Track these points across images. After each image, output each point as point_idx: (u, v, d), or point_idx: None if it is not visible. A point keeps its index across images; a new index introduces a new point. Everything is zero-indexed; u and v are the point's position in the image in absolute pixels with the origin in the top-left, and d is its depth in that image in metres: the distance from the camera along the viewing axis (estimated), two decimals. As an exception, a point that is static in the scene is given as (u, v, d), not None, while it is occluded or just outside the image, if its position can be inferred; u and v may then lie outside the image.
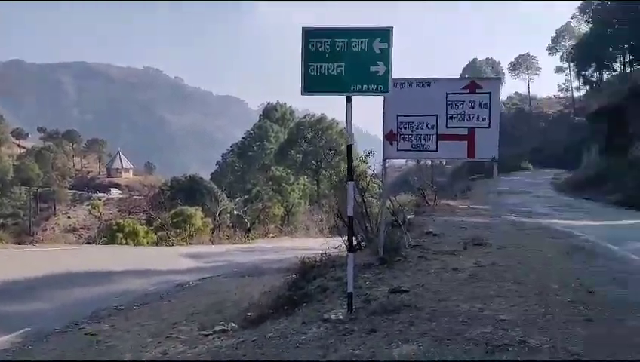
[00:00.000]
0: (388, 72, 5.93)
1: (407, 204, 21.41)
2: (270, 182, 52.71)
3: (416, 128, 7.87)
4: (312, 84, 6.01)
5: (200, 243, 30.00)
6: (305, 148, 56.01)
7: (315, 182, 54.75)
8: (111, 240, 31.51)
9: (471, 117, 7.69)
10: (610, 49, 48.06)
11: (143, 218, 44.39)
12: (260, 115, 71.44)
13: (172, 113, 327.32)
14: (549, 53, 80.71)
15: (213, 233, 35.04)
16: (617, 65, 50.70)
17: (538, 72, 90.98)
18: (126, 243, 29.95)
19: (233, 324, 7.63)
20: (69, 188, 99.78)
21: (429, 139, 7.86)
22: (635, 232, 14.61)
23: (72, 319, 9.06)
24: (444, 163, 64.48)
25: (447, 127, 7.77)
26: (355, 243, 10.67)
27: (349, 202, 6.27)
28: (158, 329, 8.27)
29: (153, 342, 7.44)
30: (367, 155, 12.14)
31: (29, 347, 7.58)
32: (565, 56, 74.79)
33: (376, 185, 14.90)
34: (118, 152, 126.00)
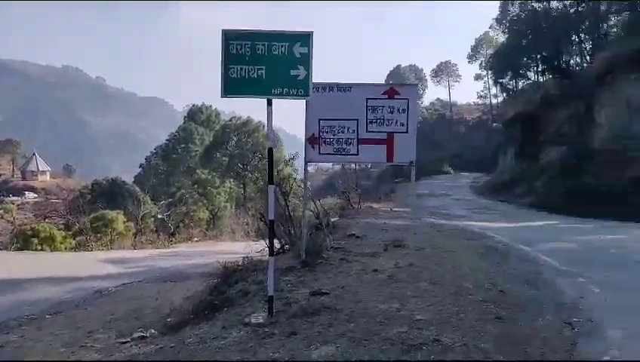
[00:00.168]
0: (308, 76, 5.98)
1: (332, 207, 21.64)
2: (195, 186, 51.74)
3: (338, 132, 7.98)
4: (232, 87, 5.97)
5: (121, 248, 28.99)
6: (231, 150, 55.45)
7: (242, 185, 54.24)
8: (25, 245, 29.83)
9: (390, 122, 7.88)
10: (525, 59, 50.33)
11: (61, 222, 42.38)
12: (185, 117, 70.15)
13: (93, 114, 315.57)
14: (469, 62, 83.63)
15: (135, 237, 33.95)
16: (532, 74, 53.22)
17: (458, 80, 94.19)
18: (41, 249, 28.44)
19: (152, 331, 7.46)
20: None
21: (350, 143, 7.99)
22: (546, 233, 15.39)
23: (-23, 331, 8.56)
24: (369, 166, 65.64)
25: (367, 131, 7.93)
26: (278, 246, 10.70)
27: (270, 205, 6.28)
28: (73, 339, 7.94)
29: (66, 351, 7.14)
30: (291, 158, 12.20)
31: None
32: (484, 65, 77.64)
33: (303, 189, 14.96)
34: (34, 154, 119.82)
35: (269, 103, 6.05)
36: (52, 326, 9.01)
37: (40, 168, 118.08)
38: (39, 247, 28.66)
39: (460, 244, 11.77)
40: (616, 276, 8.47)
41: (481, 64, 79.78)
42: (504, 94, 64.00)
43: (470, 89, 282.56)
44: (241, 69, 5.94)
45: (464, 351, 4.76)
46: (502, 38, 61.19)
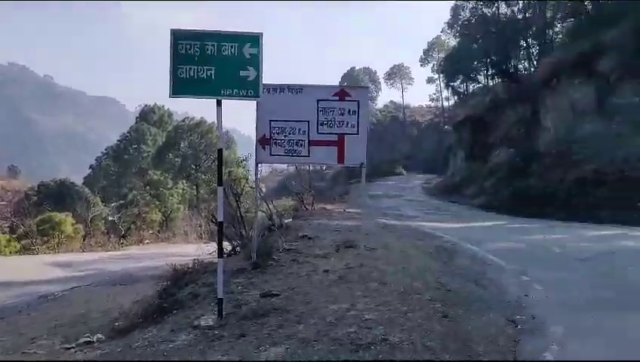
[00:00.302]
0: (258, 76, 5.98)
1: (285, 209, 21.63)
2: (147, 187, 50.86)
3: (289, 133, 8.00)
4: (180, 87, 5.92)
5: (70, 251, 28.30)
6: (184, 151, 54.75)
7: (195, 186, 53.63)
8: (-35, 250, 28.76)
9: (341, 124, 7.95)
10: (475, 63, 51.32)
11: (6, 225, 41.06)
12: (137, 117, 68.78)
13: (41, 112, 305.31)
14: (422, 65, 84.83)
15: (84, 240, 33.18)
16: (482, 78, 54.31)
17: (411, 82, 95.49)
18: (-16, 254, 27.49)
19: (99, 335, 7.32)
20: None
21: (301, 145, 8.03)
22: (494, 233, 15.77)
23: None
24: (324, 168, 65.81)
25: (318, 132, 7.98)
26: (230, 248, 10.65)
27: (219, 207, 6.23)
28: (15, 345, 7.71)
29: (7, 359, 6.92)
30: (243, 160, 12.15)
31: None
32: (436, 68, 78.91)
33: (262, 190, 14.91)
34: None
35: (219, 104, 6.02)
36: (-7, 333, 8.72)
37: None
38: (-19, 252, 27.66)
39: (411, 244, 11.93)
40: (559, 274, 8.76)
41: (433, 67, 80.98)
42: (455, 97, 64.99)
43: (423, 92, 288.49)
44: (190, 69, 5.89)
45: (411, 349, 4.85)
46: (453, 42, 62.21)
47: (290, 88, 8.03)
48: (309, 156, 8.18)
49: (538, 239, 13.40)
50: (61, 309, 10.72)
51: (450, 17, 56.79)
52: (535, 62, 42.71)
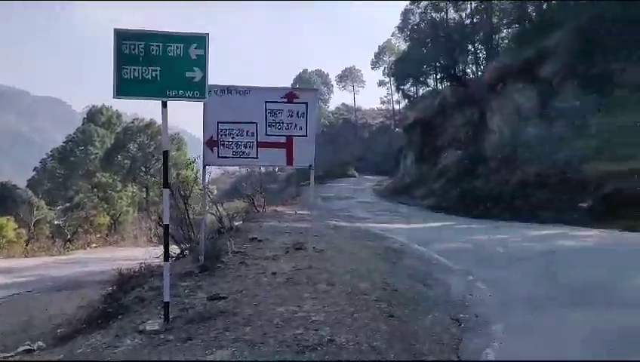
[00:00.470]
0: (204, 78, 5.93)
1: (237, 211, 21.48)
2: (95, 190, 49.65)
3: (237, 135, 7.97)
4: (125, 88, 5.81)
5: (11, 256, 27.32)
6: (133, 153, 53.66)
7: (145, 189, 52.64)
8: None
9: (289, 125, 7.98)
10: (425, 66, 52.13)
11: (-59, 231, 39.31)
12: (84, 118, 67.01)
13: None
14: (373, 68, 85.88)
15: (27, 245, 32.11)
16: (431, 82, 55.29)
17: (363, 85, 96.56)
18: None
19: (40, 343, 7.10)
20: None
21: (250, 147, 8.01)
22: (441, 234, 16.09)
23: None
24: (276, 169, 65.69)
25: (266, 134, 7.98)
26: (178, 251, 10.51)
27: (164, 210, 6.15)
28: (-51, 355, 7.39)
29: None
30: (192, 161, 12.03)
31: None
32: (386, 71, 79.92)
33: (209, 192, 14.76)
34: None
35: (164, 105, 5.94)
36: None
37: None
38: None
39: (360, 246, 12.05)
40: (502, 273, 9.00)
41: (384, 71, 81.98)
42: (405, 100, 65.96)
43: (374, 94, 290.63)
44: (135, 69, 5.79)
45: (357, 349, 4.90)
46: (403, 46, 63.10)
47: (238, 90, 8.00)
48: (257, 158, 8.17)
49: (483, 239, 13.74)
50: (0, 317, 10.34)
51: (400, 21, 57.51)
52: (482, 67, 43.79)
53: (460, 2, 45.39)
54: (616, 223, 14.46)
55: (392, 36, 69.93)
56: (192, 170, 12.31)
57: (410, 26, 54.64)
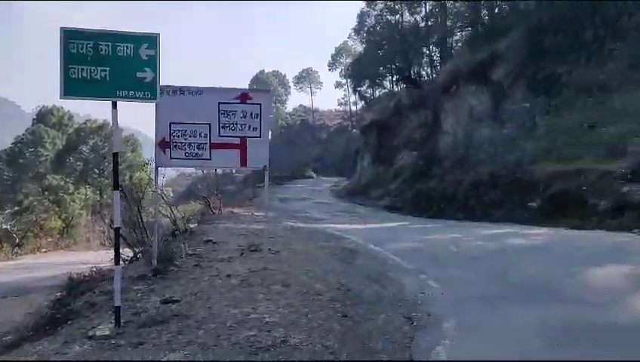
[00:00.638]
0: (156, 78, 5.87)
1: (192, 213, 21.25)
2: (46, 193, 48.25)
3: (190, 136, 7.89)
4: (72, 88, 5.69)
5: (-46, 262, 26.25)
6: (86, 155, 52.43)
7: (98, 191, 51.48)
8: None
9: (243, 127, 7.95)
10: (381, 68, 52.66)
11: None
12: (34, 119, 65.07)
13: None
14: (330, 69, 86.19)
15: (-28, 250, 30.91)
16: (387, 84, 55.86)
17: (320, 86, 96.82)
18: None
19: (-15, 352, 6.85)
20: None
21: (203, 148, 7.94)
22: (397, 234, 16.24)
23: None
24: (234, 171, 65.20)
25: (220, 135, 7.92)
26: (132, 254, 10.33)
27: (115, 212, 6.06)
28: None
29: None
30: (145, 163, 11.85)
31: None
32: (343, 73, 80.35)
33: (164, 194, 14.56)
34: None
35: (114, 106, 5.85)
36: None
37: None
38: None
39: (316, 246, 12.08)
40: (455, 272, 9.16)
41: (341, 72, 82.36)
42: (362, 102, 66.40)
43: (332, 96, 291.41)
44: (83, 69, 5.69)
45: (310, 349, 4.94)
46: (360, 48, 63.56)
47: (191, 90, 7.93)
48: (210, 159, 8.10)
49: (437, 239, 13.94)
50: (-59, 327, 9.91)
51: (356, 23, 57.86)
52: (437, 69, 44.48)
53: (415, 5, 46.03)
54: (564, 222, 14.92)
55: (348, 38, 70.29)
56: (146, 171, 12.08)
57: (366, 28, 55.04)
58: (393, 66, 48.13)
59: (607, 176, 15.55)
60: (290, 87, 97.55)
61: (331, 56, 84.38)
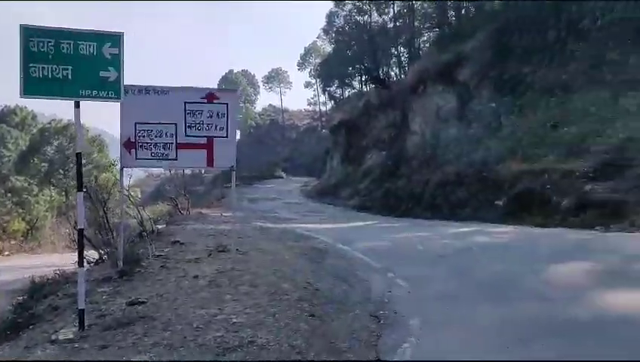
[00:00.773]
0: (119, 77, 5.80)
1: (160, 214, 21.02)
2: (9, 194, 47.13)
3: (156, 136, 7.81)
4: (32, 87, 5.57)
5: None
6: (51, 156, 51.41)
7: (64, 192, 50.52)
8: None
9: (209, 126, 7.90)
10: (350, 68, 52.96)
11: None
12: (-5, 119, 63.54)
13: None
14: (299, 69, 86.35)
15: None
16: (356, 84, 56.19)
17: (290, 86, 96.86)
18: None
19: (-59, 360, 6.66)
20: None
21: (169, 148, 7.87)
22: (365, 233, 16.36)
23: None
24: (202, 171, 64.68)
25: (186, 135, 7.87)
26: (97, 256, 10.18)
27: (79, 214, 5.97)
28: None
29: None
30: (112, 164, 11.69)
31: None
32: (313, 73, 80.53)
33: (131, 195, 14.39)
34: None
35: (77, 105, 5.76)
36: None
37: None
38: None
39: (284, 246, 12.07)
40: (421, 270, 9.24)
41: (310, 72, 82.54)
42: (332, 102, 66.63)
43: (301, 96, 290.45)
44: (44, 68, 5.57)
45: (277, 349, 4.94)
46: (329, 48, 63.76)
47: (157, 90, 7.84)
48: (177, 160, 8.03)
49: (405, 237, 14.07)
50: None
51: (325, 23, 58.02)
52: (405, 70, 44.88)
53: (384, 6, 46.37)
54: (528, 220, 15.23)
55: (317, 38, 70.56)
56: (112, 172, 11.92)
57: (335, 29, 55.24)
58: (362, 66, 48.44)
59: (569, 175, 15.89)
60: (259, 86, 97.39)
61: (301, 56, 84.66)
